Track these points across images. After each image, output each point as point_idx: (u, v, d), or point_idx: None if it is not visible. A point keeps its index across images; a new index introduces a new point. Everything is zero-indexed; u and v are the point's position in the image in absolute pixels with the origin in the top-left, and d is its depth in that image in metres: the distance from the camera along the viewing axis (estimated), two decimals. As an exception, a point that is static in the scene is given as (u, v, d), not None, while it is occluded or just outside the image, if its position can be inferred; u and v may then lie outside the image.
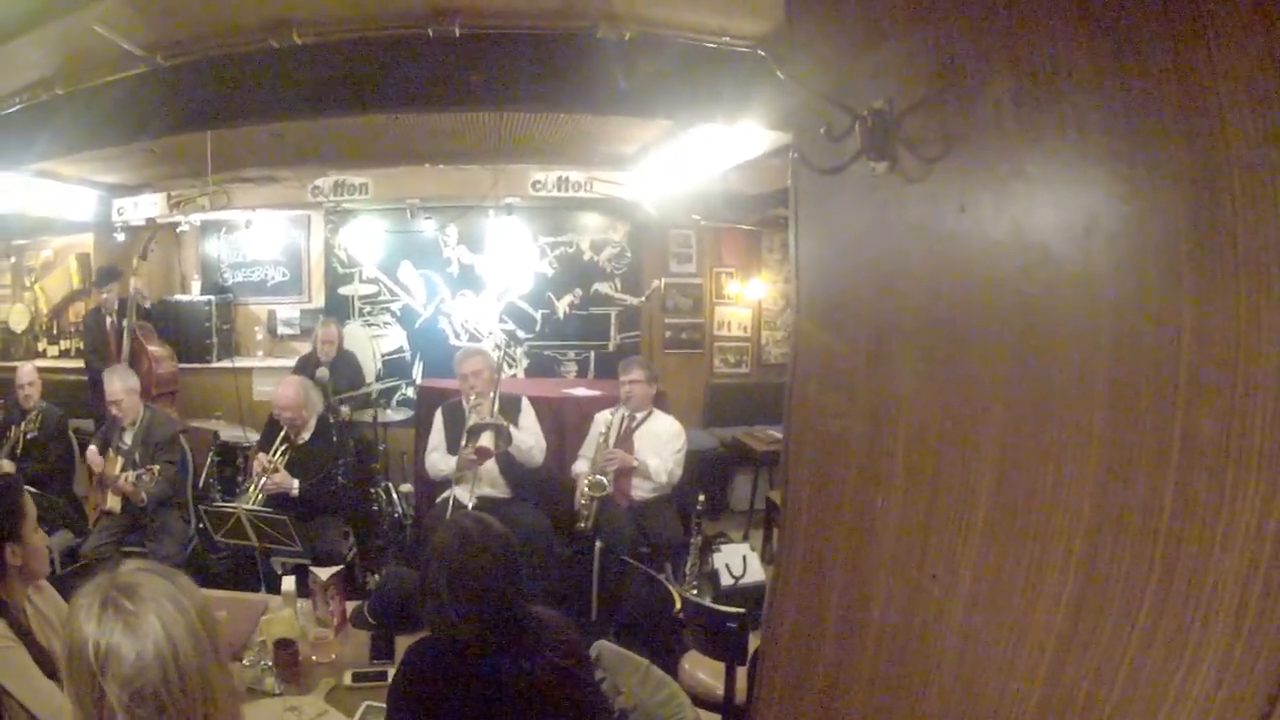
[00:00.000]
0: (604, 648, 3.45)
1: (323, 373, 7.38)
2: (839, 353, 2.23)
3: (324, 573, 3.97)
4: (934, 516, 1.83)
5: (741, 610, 3.81)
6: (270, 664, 3.48)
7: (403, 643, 3.44)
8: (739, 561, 5.72)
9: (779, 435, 7.15)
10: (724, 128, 5.07)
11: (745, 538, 7.39)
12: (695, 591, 5.47)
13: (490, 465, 5.84)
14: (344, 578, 4.13)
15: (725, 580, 5.65)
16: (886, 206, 1.95)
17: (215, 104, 4.66)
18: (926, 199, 1.81)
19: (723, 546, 6.03)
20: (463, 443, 5.68)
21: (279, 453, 5.68)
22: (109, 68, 4.49)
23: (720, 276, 9.22)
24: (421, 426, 7.08)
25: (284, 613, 3.93)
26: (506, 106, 5.12)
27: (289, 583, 4.16)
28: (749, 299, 9.16)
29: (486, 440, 5.62)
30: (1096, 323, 1.39)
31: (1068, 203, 1.45)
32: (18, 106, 4.88)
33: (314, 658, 3.67)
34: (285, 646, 3.52)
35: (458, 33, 4.09)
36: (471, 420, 5.73)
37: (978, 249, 1.68)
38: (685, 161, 6.48)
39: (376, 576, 6.19)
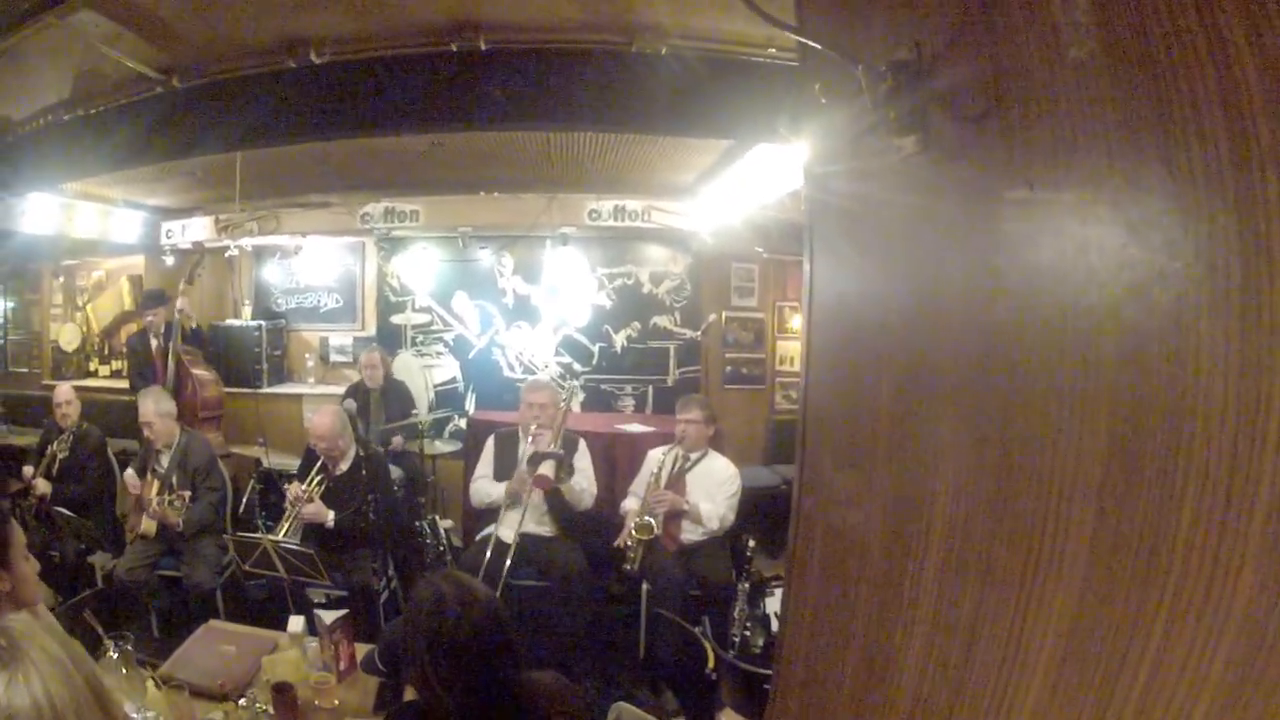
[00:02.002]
0: (623, 710, 3.26)
1: (350, 404, 7.02)
2: (855, 419, 1.55)
3: (329, 615, 3.58)
4: (971, 669, 1.16)
5: (769, 673, 3.38)
6: (265, 708, 3.19)
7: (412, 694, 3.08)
8: None
9: None
10: (781, 152, 4.68)
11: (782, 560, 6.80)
12: (747, 633, 5.10)
13: (538, 500, 5.45)
14: (353, 620, 3.72)
15: (776, 626, 5.16)
16: (917, 203, 1.26)
17: (233, 126, 4.41)
18: (973, 181, 1.11)
19: (775, 590, 5.52)
20: (522, 466, 5.37)
21: (315, 482, 5.34)
22: (126, 90, 4.38)
23: (783, 310, 8.72)
24: (471, 459, 6.69)
25: (289, 653, 3.61)
26: (534, 125, 4.70)
27: (296, 623, 3.81)
28: (813, 333, 8.55)
29: (547, 469, 5.25)
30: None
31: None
32: (38, 127, 4.80)
33: (316, 703, 3.34)
34: (283, 691, 3.19)
35: (483, 48, 3.83)
36: (532, 449, 5.40)
37: (1058, 251, 0.99)
38: (744, 189, 6.04)
39: None
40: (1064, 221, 0.97)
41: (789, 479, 7.37)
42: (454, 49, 3.83)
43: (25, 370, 10.31)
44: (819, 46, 1.39)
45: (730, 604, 5.28)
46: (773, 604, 5.30)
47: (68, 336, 9.80)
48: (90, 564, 5.79)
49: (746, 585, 5.30)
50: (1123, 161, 0.88)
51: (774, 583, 5.72)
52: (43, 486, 6.04)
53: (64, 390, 6.52)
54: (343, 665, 3.53)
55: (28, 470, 6.26)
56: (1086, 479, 0.96)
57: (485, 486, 5.65)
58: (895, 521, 1.35)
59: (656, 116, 4.04)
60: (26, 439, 8.16)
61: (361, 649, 3.66)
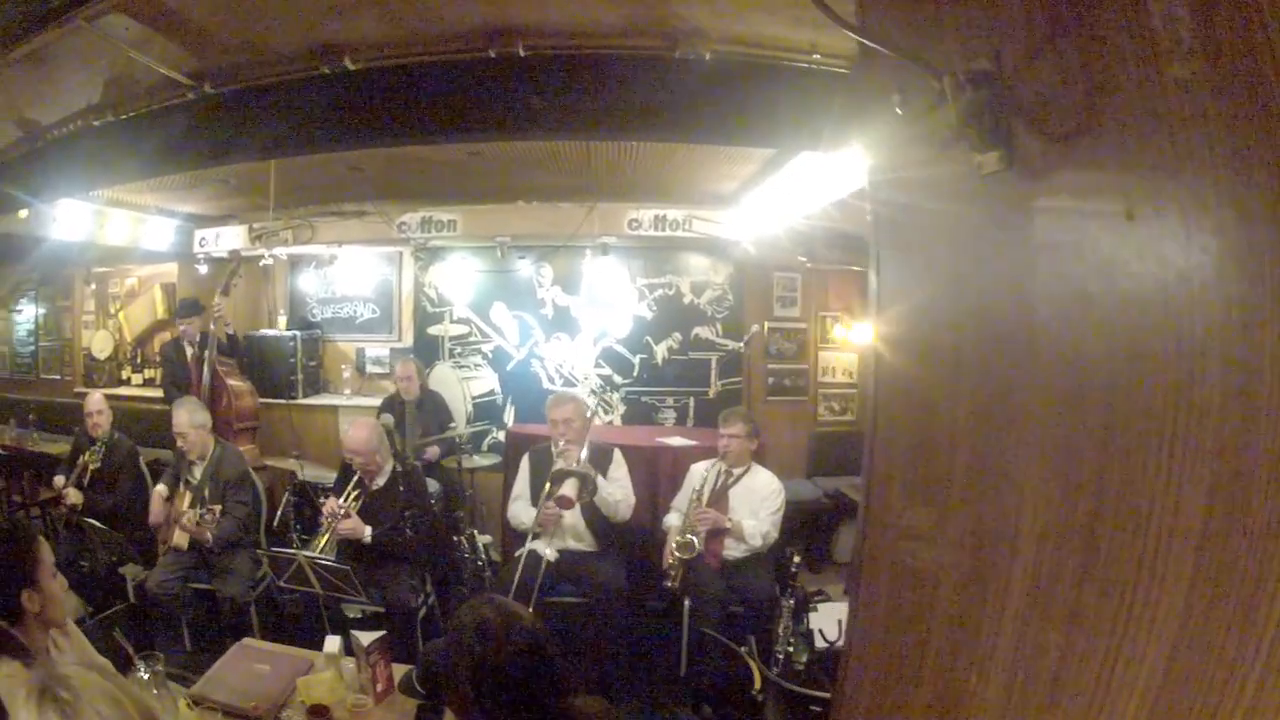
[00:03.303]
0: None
1: (385, 419, 6.96)
2: (928, 450, 1.50)
3: (366, 637, 3.47)
4: (1054, 717, 1.09)
5: (827, 695, 3.54)
6: (300, 730, 3.19)
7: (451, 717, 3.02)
8: (834, 625, 5.12)
9: None
10: (824, 160, 4.56)
11: (846, 592, 6.77)
12: (790, 649, 4.96)
13: (575, 517, 5.45)
14: (391, 641, 3.65)
15: (820, 643, 5.08)
16: (998, 223, 1.21)
17: (266, 133, 4.34)
18: (1064, 203, 1.07)
19: (820, 606, 5.39)
20: (544, 490, 5.28)
21: (351, 498, 5.30)
22: (157, 95, 4.32)
23: (825, 321, 8.60)
24: (509, 473, 6.61)
25: (325, 674, 3.50)
26: (574, 134, 4.70)
27: (332, 643, 3.70)
28: (855, 344, 8.51)
29: (569, 489, 5.17)
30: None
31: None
32: (67, 133, 4.75)
33: (351, 726, 3.33)
34: (319, 713, 3.20)
35: (522, 54, 3.75)
36: (557, 465, 5.33)
37: (1159, 282, 0.94)
38: (786, 198, 5.95)
39: None
40: (1165, 250, 0.92)
41: (830, 492, 7.46)
42: (492, 55, 3.76)
43: (57, 377, 10.43)
44: (889, 53, 1.32)
45: (773, 621, 5.27)
46: (817, 620, 5.29)
47: (100, 344, 9.93)
48: (121, 575, 5.78)
49: (791, 602, 5.27)
50: (1229, 188, 0.84)
51: (817, 598, 5.69)
52: (74, 496, 6.04)
53: (95, 399, 6.53)
54: (380, 687, 3.46)
55: (59, 480, 6.28)
56: (1186, 528, 0.92)
57: (521, 512, 5.64)
58: (972, 560, 1.29)
59: (698, 124, 3.97)
60: (58, 447, 8.16)
61: (399, 670, 3.61)
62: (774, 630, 5.12)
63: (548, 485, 5.25)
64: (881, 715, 1.57)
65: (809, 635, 5.15)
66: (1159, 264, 0.93)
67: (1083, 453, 1.05)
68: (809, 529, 7.05)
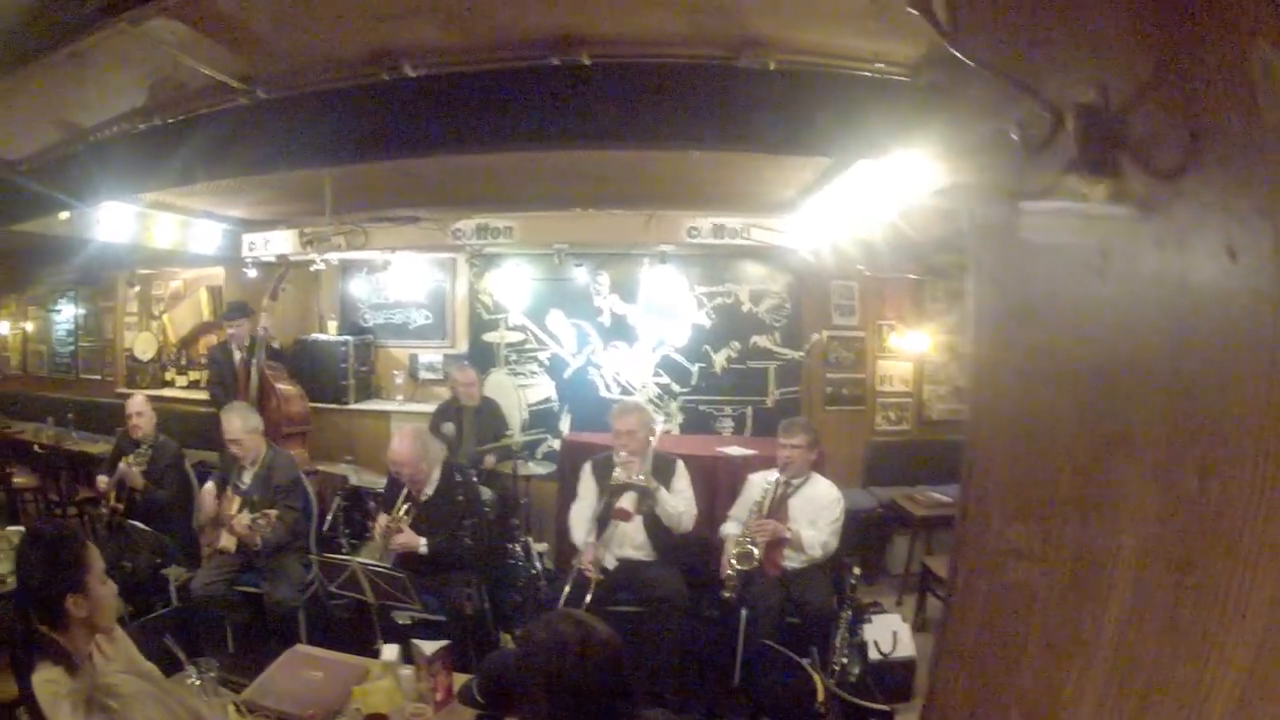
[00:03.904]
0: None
1: (448, 428, 7.06)
2: (1030, 470, 1.57)
3: (428, 646, 3.56)
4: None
5: (886, 709, 3.70)
6: (357, 738, 3.22)
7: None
8: (889, 637, 5.36)
9: (941, 499, 6.80)
10: (882, 169, 4.59)
11: (899, 603, 6.97)
12: (845, 660, 5.15)
13: (636, 527, 5.53)
14: (453, 651, 3.71)
15: (874, 655, 5.31)
16: (1106, 251, 1.28)
17: (321, 140, 4.41)
18: (1167, 238, 1.14)
19: (874, 618, 5.62)
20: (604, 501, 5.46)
21: (402, 511, 5.35)
22: (205, 100, 4.33)
23: (882, 329, 8.61)
24: (565, 481, 6.79)
25: (383, 682, 3.56)
26: (640, 143, 4.68)
27: (390, 651, 3.81)
28: (911, 352, 8.55)
29: (627, 502, 5.34)
30: None
31: None
32: (111, 136, 4.75)
33: (410, 735, 3.34)
34: None
35: (586, 62, 3.74)
36: (617, 476, 5.45)
37: (1258, 319, 1.02)
38: (845, 206, 5.98)
39: (510, 636, 5.86)
40: (1264, 287, 0.99)
41: (885, 502, 7.55)
42: (556, 63, 3.74)
43: (97, 377, 10.66)
44: (1003, 80, 1.40)
45: (830, 632, 5.31)
46: (871, 632, 5.38)
47: (143, 345, 10.11)
48: (163, 576, 5.83)
49: (849, 613, 5.32)
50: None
51: (872, 609, 5.75)
52: (102, 482, 6.28)
53: (137, 401, 6.64)
54: (440, 696, 3.51)
55: (101, 479, 6.41)
56: (1274, 543, 1.00)
57: (579, 522, 5.71)
58: (1072, 576, 1.36)
59: (761, 133, 3.97)
60: (97, 447, 8.37)
61: (458, 679, 3.62)
62: (831, 642, 5.18)
63: (607, 496, 5.40)
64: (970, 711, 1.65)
65: (862, 647, 5.26)
66: (1257, 299, 1.00)
67: (1183, 473, 1.13)
68: (863, 539, 7.07)
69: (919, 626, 6.10)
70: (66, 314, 11.20)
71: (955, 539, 1.78)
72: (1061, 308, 1.50)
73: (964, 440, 1.83)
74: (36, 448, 9.11)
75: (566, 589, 5.22)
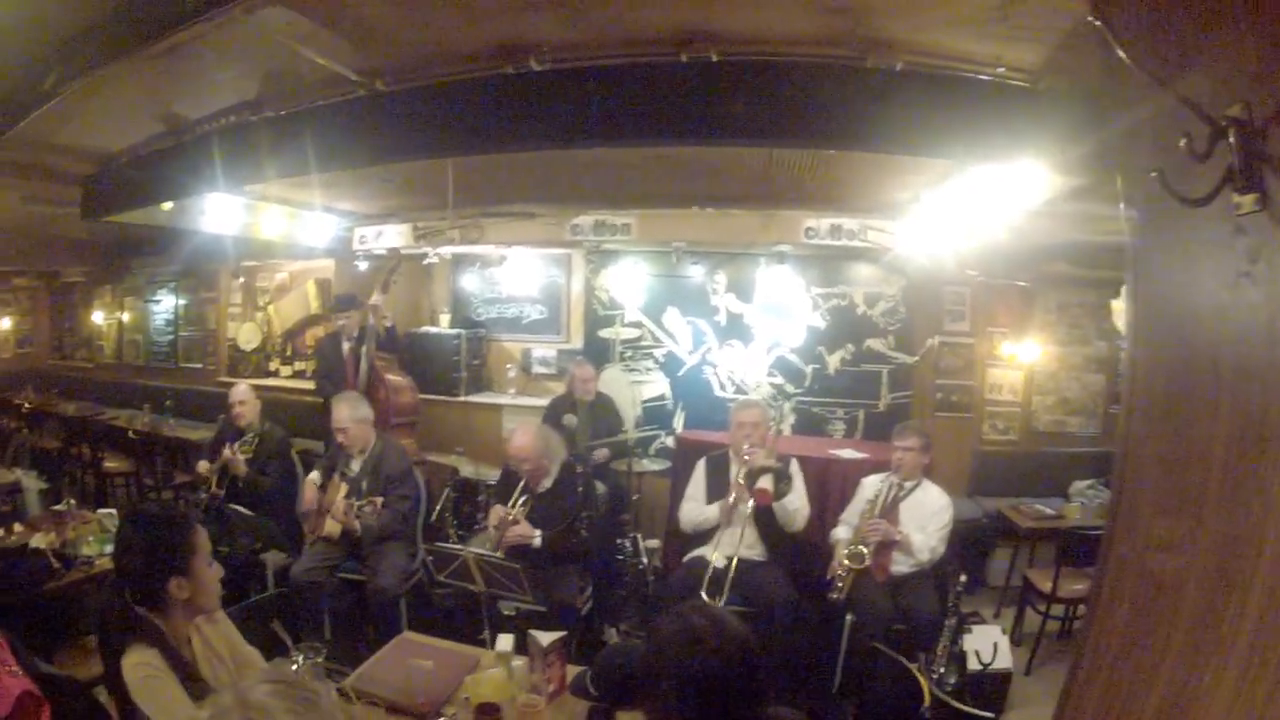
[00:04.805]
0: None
1: (569, 419, 7.18)
2: (1183, 463, 1.65)
3: (545, 637, 3.59)
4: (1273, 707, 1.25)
5: (991, 716, 3.98)
6: (468, 727, 3.23)
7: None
8: (989, 647, 5.32)
9: (1046, 511, 6.86)
10: (998, 174, 4.69)
11: (996, 615, 7.00)
12: (943, 669, 5.17)
13: (746, 524, 5.54)
14: (567, 643, 3.76)
15: (973, 665, 5.29)
16: (1254, 260, 1.37)
17: (444, 132, 4.44)
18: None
19: (974, 628, 5.60)
20: (739, 479, 5.52)
21: (519, 504, 5.48)
22: (321, 92, 4.45)
23: (993, 337, 8.51)
24: (678, 478, 6.88)
25: (495, 672, 3.59)
26: (770, 141, 4.66)
27: (505, 641, 3.83)
28: (1021, 361, 8.45)
29: (766, 483, 5.38)
30: None
31: None
32: (220, 127, 4.91)
33: (521, 726, 3.35)
34: (489, 712, 3.24)
35: (714, 59, 3.81)
36: (756, 461, 5.50)
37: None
38: (959, 210, 5.95)
39: (614, 631, 6.09)
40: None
41: (990, 512, 7.53)
42: (684, 59, 3.82)
43: (198, 366, 11.03)
44: (1169, 93, 1.47)
45: (934, 639, 5.33)
46: (971, 641, 5.37)
47: (246, 335, 10.42)
48: (261, 561, 6.06)
49: (953, 620, 5.34)
50: None
51: (971, 619, 5.75)
52: (203, 468, 6.54)
53: (240, 389, 6.85)
54: (552, 688, 3.55)
55: (202, 465, 6.61)
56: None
57: (697, 508, 5.79)
58: (1218, 565, 1.46)
59: (886, 133, 3.95)
60: (197, 433, 8.73)
61: (570, 670, 3.66)
62: (934, 649, 5.23)
63: (742, 479, 5.47)
64: (1112, 711, 1.73)
65: (961, 656, 5.26)
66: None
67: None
68: (967, 550, 7.07)
69: (1016, 640, 6.14)
70: (166, 304, 11.56)
71: (1105, 532, 1.87)
72: (1213, 315, 1.59)
73: (1118, 437, 1.92)
74: (131, 433, 9.46)
75: (680, 579, 5.39)
